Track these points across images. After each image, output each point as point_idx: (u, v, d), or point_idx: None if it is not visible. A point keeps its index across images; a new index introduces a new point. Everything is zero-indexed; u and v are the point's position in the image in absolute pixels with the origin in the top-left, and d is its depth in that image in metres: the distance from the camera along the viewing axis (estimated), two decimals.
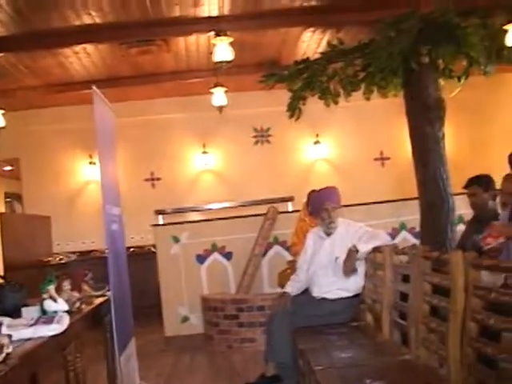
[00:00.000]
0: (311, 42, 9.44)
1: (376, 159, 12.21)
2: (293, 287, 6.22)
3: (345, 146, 12.26)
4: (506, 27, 7.34)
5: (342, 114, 11.10)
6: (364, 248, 5.75)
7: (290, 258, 8.47)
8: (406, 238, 9.05)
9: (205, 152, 12.44)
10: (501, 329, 3.07)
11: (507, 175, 5.36)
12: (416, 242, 8.39)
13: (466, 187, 6.29)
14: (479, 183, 6.14)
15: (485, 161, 10.63)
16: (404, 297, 4.71)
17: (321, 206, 6.11)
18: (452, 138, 10.83)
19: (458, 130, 11.60)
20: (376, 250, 5.59)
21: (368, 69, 7.77)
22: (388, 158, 12.20)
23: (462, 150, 11.49)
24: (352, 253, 5.76)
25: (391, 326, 4.99)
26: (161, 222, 9.80)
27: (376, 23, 7.55)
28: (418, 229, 8.07)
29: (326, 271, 6.00)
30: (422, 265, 4.21)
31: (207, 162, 12.48)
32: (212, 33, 8.26)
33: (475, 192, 6.15)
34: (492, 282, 3.97)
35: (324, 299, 5.95)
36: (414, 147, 7.81)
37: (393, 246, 5.17)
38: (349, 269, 5.79)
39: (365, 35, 7.87)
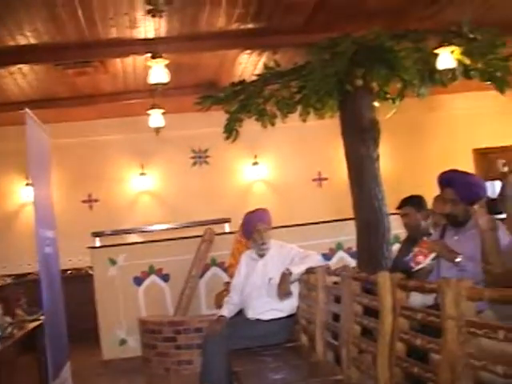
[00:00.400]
0: (248, 64, 9.49)
1: (314, 180, 12.29)
2: (228, 310, 6.22)
3: (283, 166, 12.31)
4: (436, 51, 7.46)
5: (280, 135, 11.17)
6: (297, 270, 5.80)
7: (227, 279, 8.46)
8: (343, 258, 9.14)
9: (143, 173, 12.37)
10: (427, 349, 3.12)
11: (437, 196, 5.46)
12: (353, 261, 8.48)
13: (398, 208, 6.37)
14: (412, 203, 6.23)
15: (421, 181, 10.75)
16: (336, 317, 4.75)
17: (253, 227, 6.14)
18: (389, 158, 11.01)
19: (395, 151, 11.77)
20: (309, 271, 5.64)
21: (304, 91, 7.86)
22: (326, 179, 12.29)
23: (399, 170, 11.63)
24: (286, 276, 5.81)
25: (325, 346, 5.03)
26: (98, 244, 9.70)
27: (312, 46, 7.65)
28: (354, 249, 8.16)
29: (259, 292, 6.02)
30: (352, 286, 4.26)
31: (145, 183, 12.41)
32: (149, 54, 8.25)
33: (408, 212, 6.23)
34: (423, 303, 4.04)
35: (258, 320, 5.96)
36: (349, 168, 7.92)
37: (325, 267, 5.23)
38: (283, 292, 5.83)
39: (301, 58, 7.96)
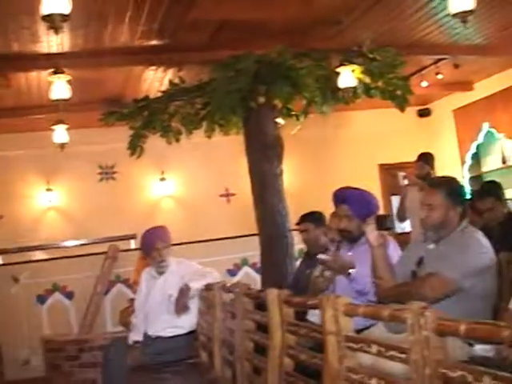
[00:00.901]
0: (154, 81, 9.47)
1: (221, 195, 12.29)
2: (140, 332, 6.17)
3: (191, 182, 12.27)
4: (338, 70, 7.62)
5: (187, 151, 11.14)
6: (196, 285, 5.85)
7: (132, 295, 8.41)
8: (248, 274, 9.20)
9: (49, 189, 12.17)
10: (310, 364, 3.18)
11: (333, 212, 5.56)
12: (258, 277, 8.54)
13: (298, 223, 6.48)
14: (311, 219, 6.33)
15: (328, 197, 10.92)
16: (233, 333, 4.78)
17: (151, 245, 6.14)
18: (295, 174, 11.17)
19: (302, 167, 11.93)
20: (208, 287, 5.68)
21: (208, 107, 7.92)
22: (233, 194, 12.30)
23: (306, 186, 11.75)
24: (184, 291, 5.84)
25: (222, 362, 5.05)
26: (0, 261, 9.53)
27: (216, 63, 7.71)
28: (260, 264, 8.22)
29: (159, 309, 6.02)
30: (244, 303, 4.30)
31: (52, 199, 12.21)
32: (52, 70, 8.16)
33: (307, 228, 6.34)
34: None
35: (159, 337, 5.95)
36: (253, 184, 8.00)
37: (221, 284, 5.26)
38: (181, 307, 5.86)
39: (206, 74, 8.00)
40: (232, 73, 7.54)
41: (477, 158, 11.86)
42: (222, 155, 11.90)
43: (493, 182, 7.08)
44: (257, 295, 4.14)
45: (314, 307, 3.03)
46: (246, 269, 9.31)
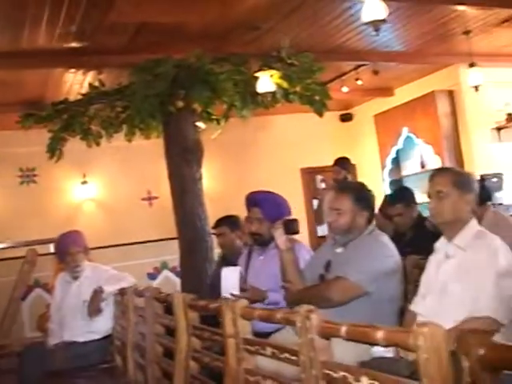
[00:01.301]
0: (74, 83, 9.38)
1: (144, 199, 12.18)
2: (57, 337, 6.11)
3: (113, 185, 12.14)
4: (257, 74, 7.68)
5: (109, 154, 11.07)
6: (109, 289, 5.84)
7: (50, 300, 8.33)
8: (168, 277, 9.18)
9: None
10: (213, 366, 3.22)
11: (246, 216, 5.62)
12: (178, 280, 8.54)
13: (214, 227, 6.52)
14: (226, 223, 6.38)
15: None
16: (145, 338, 4.79)
17: (65, 250, 6.10)
18: (217, 178, 11.21)
19: (224, 170, 11.99)
20: (122, 292, 5.68)
21: (127, 111, 7.89)
22: (156, 198, 12.21)
23: (228, 189, 11.76)
24: (97, 293, 5.84)
25: (135, 366, 5.06)
26: None
27: (134, 66, 7.69)
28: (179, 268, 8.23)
29: (74, 315, 5.98)
30: (155, 306, 4.32)
31: None
32: None
33: (223, 232, 6.38)
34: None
35: (75, 342, 5.91)
36: (172, 188, 8.01)
37: (134, 288, 5.26)
38: (93, 309, 5.85)
39: (126, 78, 7.97)
40: (150, 77, 7.52)
41: (397, 162, 12.07)
42: (145, 158, 11.82)
43: (404, 189, 7.25)
44: (165, 299, 4.16)
45: (216, 311, 3.06)
46: (166, 272, 9.29)
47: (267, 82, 7.67)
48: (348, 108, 13.52)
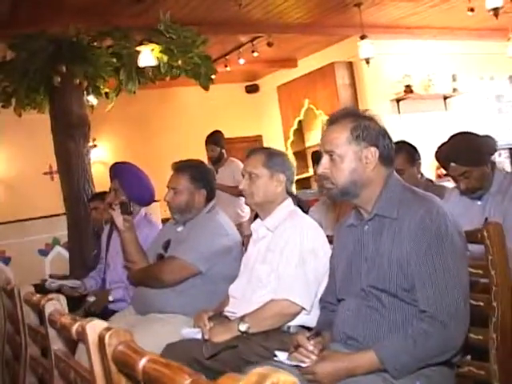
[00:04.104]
0: None
1: (45, 173, 11.97)
2: None
3: (13, 159, 11.85)
4: (138, 48, 7.61)
5: (12, 128, 10.82)
6: None
7: None
8: (61, 253, 9.06)
9: None
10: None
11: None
12: None
13: (89, 201, 6.60)
14: (100, 198, 6.38)
15: (154, 174, 10.91)
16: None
17: None
18: (122, 151, 11.13)
19: (128, 144, 11.88)
20: None
21: (12, 85, 7.77)
22: (58, 172, 12.04)
23: (134, 162, 11.66)
24: None
25: None
26: None
27: (13, 41, 7.54)
28: None
29: None
30: None
31: None
32: None
33: (95, 206, 6.45)
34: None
35: None
36: (58, 164, 7.97)
37: None
38: None
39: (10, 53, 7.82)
40: (28, 52, 7.38)
41: (300, 133, 12.15)
42: (46, 132, 11.62)
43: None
44: None
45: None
46: (58, 249, 9.15)
47: (148, 56, 7.60)
48: (255, 79, 13.50)
